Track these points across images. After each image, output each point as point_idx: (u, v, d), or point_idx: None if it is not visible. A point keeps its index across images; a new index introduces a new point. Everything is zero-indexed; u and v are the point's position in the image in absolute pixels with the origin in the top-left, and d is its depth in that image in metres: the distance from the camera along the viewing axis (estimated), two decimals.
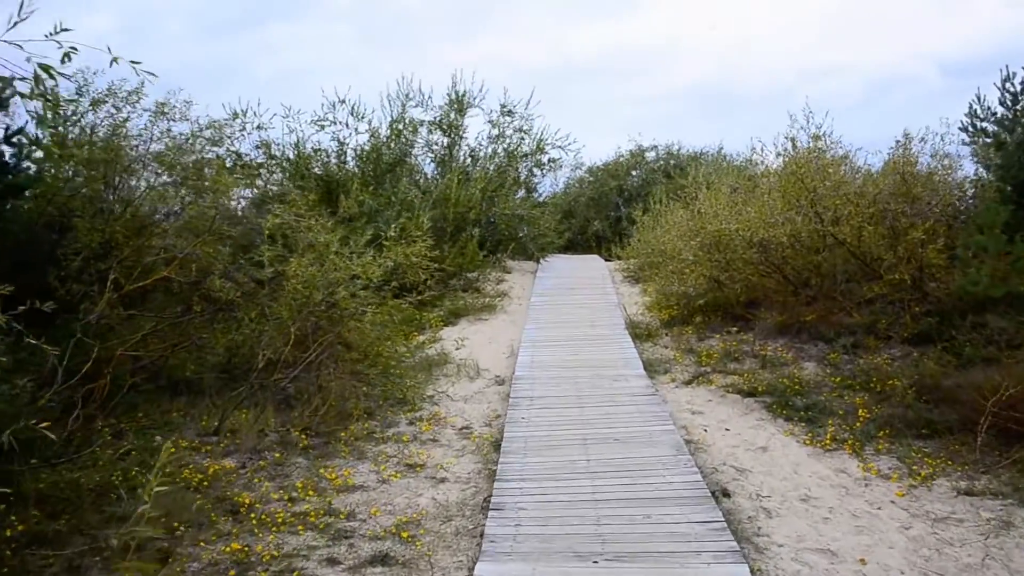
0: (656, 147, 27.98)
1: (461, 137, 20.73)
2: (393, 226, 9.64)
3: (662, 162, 27.67)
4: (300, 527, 6.32)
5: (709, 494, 6.38)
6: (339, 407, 8.83)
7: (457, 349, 12.61)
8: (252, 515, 6.40)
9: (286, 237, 10.02)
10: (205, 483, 7.01)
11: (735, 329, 11.94)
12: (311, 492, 6.95)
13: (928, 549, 5.98)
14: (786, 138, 11.34)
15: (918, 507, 6.76)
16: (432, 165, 20.92)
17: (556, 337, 12.37)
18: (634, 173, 27.97)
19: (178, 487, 6.83)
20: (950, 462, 7.51)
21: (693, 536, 5.55)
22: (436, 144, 20.80)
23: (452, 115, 20.53)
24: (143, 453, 7.74)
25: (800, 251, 11.18)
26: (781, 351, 10.85)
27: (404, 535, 6.14)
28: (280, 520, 6.35)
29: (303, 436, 8.21)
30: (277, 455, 7.84)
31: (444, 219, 17.27)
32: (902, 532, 6.30)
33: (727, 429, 8.74)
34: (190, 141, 11.50)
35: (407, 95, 20.01)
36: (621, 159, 28.03)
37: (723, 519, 5.86)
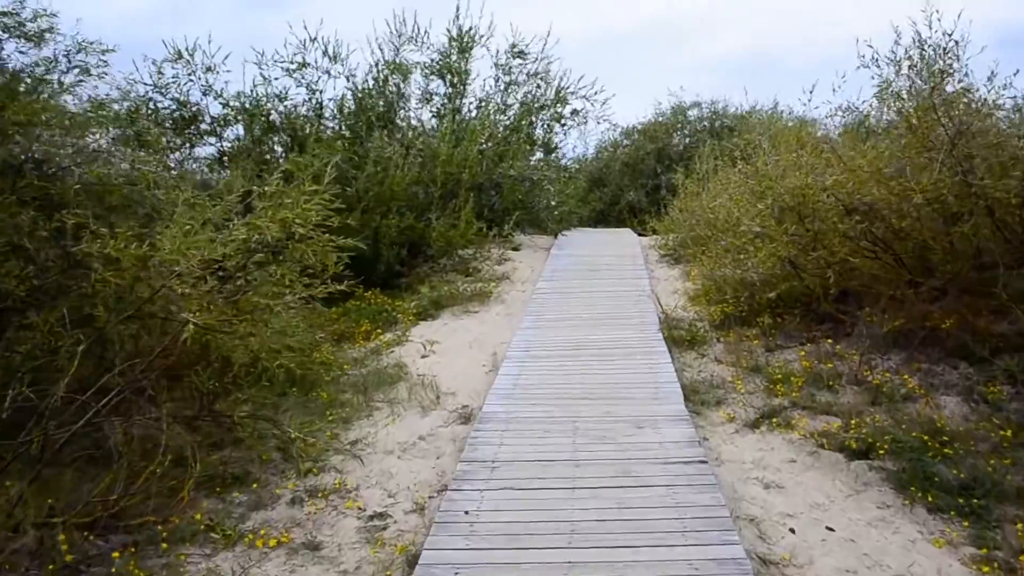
0: (700, 103, 23.80)
1: (465, 85, 16.97)
2: (274, 177, 5.92)
3: (706, 122, 23.59)
4: None
5: None
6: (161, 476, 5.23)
7: (423, 357, 9.03)
8: None
9: (128, 198, 6.47)
10: None
11: (823, 335, 8.10)
12: None
13: None
14: (910, 46, 7.36)
15: None
16: (434, 120, 17.20)
17: (559, 342, 8.67)
18: (675, 136, 23.93)
19: None
20: None
21: None
22: (436, 94, 17.07)
23: (454, 57, 16.76)
24: None
25: (923, 219, 7.28)
26: (901, 375, 7.01)
27: None
28: None
29: (67, 540, 4.62)
30: None
31: (432, 182, 13.57)
32: None
33: (829, 529, 5.00)
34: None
35: (401, 35, 16.24)
36: (660, 119, 23.94)
37: None
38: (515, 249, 14.92)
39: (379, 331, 10.48)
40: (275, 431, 6.10)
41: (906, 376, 6.96)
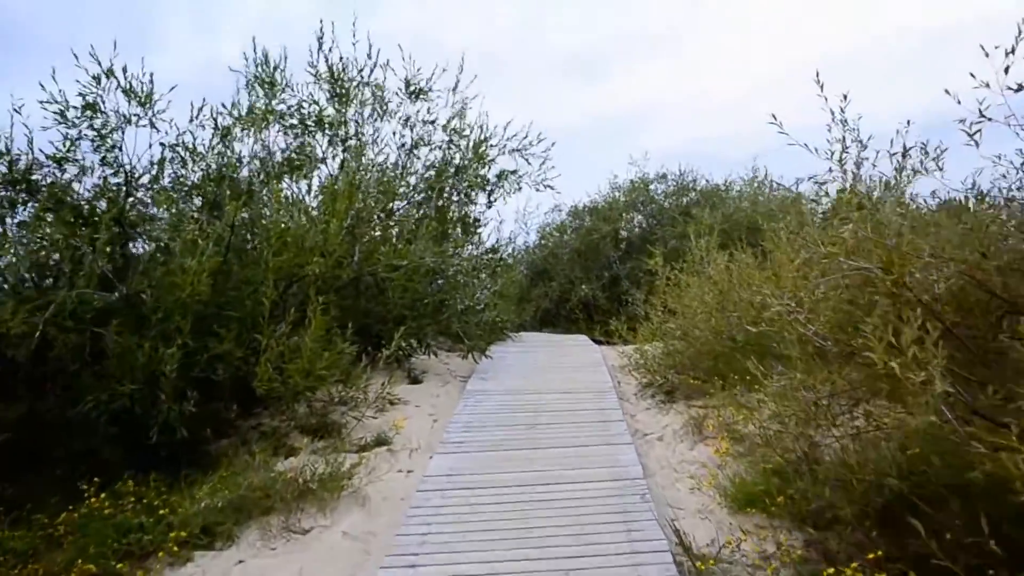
0: (666, 176, 18.98)
1: (345, 140, 11.83)
2: None
3: (672, 199, 18.81)
4: None
5: None
6: None
7: None
8: None
9: None
10: None
11: None
12: None
13: None
14: None
15: None
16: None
17: None
18: (637, 215, 19.09)
19: None
20: None
21: None
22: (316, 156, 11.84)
23: (333, 104, 11.68)
24: None
25: None
26: None
27: None
28: None
29: None
30: None
31: (258, 279, 8.14)
32: None
33: None
34: None
35: (267, 78, 11.05)
36: (617, 195, 19.05)
37: None
38: (414, 381, 9.50)
39: None
40: None
41: None
